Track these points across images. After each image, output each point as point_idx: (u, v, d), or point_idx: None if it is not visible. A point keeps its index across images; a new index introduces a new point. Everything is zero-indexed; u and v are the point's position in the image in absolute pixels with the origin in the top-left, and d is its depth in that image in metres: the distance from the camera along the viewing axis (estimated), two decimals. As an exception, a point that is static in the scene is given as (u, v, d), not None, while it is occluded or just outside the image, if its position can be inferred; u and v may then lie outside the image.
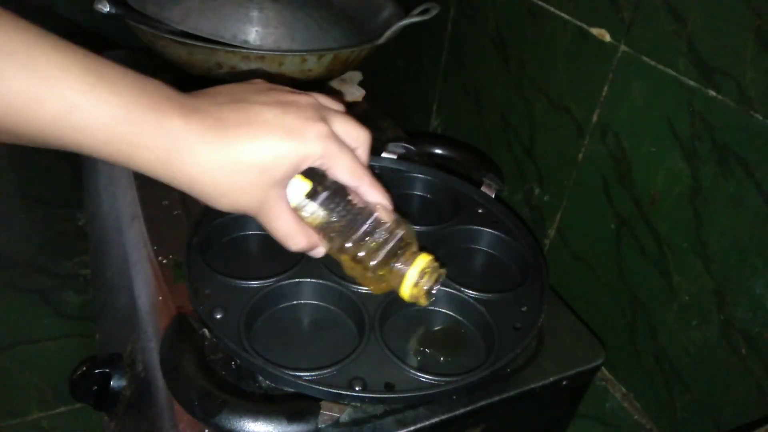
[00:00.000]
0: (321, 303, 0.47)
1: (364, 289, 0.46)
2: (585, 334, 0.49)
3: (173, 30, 0.62)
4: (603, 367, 0.58)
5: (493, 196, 0.59)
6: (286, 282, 0.46)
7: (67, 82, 0.27)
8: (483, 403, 0.41)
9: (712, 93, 0.44)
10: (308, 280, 0.46)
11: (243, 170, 0.32)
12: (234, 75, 0.63)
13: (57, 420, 0.88)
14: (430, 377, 0.40)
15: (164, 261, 0.49)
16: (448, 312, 0.48)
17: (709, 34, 0.44)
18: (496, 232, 0.55)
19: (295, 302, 0.46)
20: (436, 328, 0.47)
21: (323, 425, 0.37)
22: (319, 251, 0.40)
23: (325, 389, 0.38)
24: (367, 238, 0.38)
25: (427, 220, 0.55)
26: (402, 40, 0.76)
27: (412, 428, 0.39)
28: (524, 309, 0.47)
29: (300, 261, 0.48)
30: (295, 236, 0.37)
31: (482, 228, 0.55)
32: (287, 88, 0.37)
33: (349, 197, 0.39)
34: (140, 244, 0.52)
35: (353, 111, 0.77)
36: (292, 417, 0.37)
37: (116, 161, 0.30)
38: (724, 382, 0.47)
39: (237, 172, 0.32)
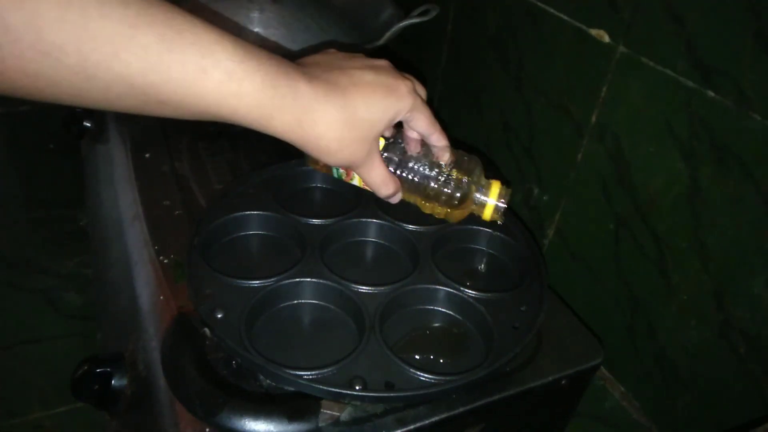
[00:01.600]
0: (321, 302, 0.47)
1: (364, 289, 0.46)
2: (584, 333, 0.49)
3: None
4: (602, 367, 0.58)
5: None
6: (287, 282, 0.46)
7: (226, 55, 0.31)
8: (482, 402, 0.41)
9: (711, 94, 0.45)
10: (309, 279, 0.46)
11: (358, 125, 0.38)
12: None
13: (58, 419, 0.88)
14: (430, 376, 0.40)
15: (165, 261, 0.49)
16: (447, 311, 0.48)
17: (707, 35, 0.44)
18: (495, 233, 0.55)
19: (295, 302, 0.47)
20: (436, 327, 0.47)
21: (323, 424, 0.38)
22: (398, 197, 0.45)
23: (325, 388, 0.38)
24: (447, 180, 0.44)
25: (427, 220, 0.55)
26: (402, 41, 0.76)
27: (412, 427, 0.39)
28: (523, 309, 0.47)
29: (300, 261, 0.48)
30: (388, 182, 0.43)
31: (482, 228, 0.55)
32: (359, 54, 0.42)
33: (410, 150, 0.45)
34: (141, 244, 0.52)
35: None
36: (292, 416, 0.37)
37: (259, 125, 0.35)
38: (723, 381, 0.47)
39: (354, 127, 0.37)
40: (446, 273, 0.48)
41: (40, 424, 0.87)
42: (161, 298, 0.46)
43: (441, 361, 0.44)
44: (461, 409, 0.41)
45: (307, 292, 0.47)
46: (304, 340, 0.44)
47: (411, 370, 0.40)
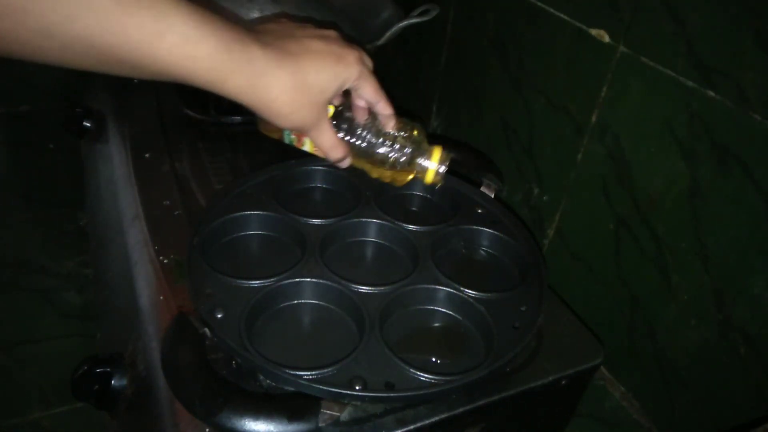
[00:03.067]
0: (321, 302, 0.47)
1: (364, 289, 0.46)
2: (584, 333, 0.49)
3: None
4: (602, 367, 0.58)
5: (493, 197, 0.59)
6: (287, 282, 0.46)
7: (182, 19, 0.33)
8: (482, 402, 0.41)
9: (711, 93, 0.45)
10: (308, 279, 0.46)
11: (309, 90, 0.40)
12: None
13: (58, 419, 0.88)
14: (430, 376, 0.40)
15: (165, 261, 0.49)
16: (447, 311, 0.48)
17: (708, 35, 0.44)
18: (495, 232, 0.55)
19: (295, 302, 0.47)
20: (436, 327, 0.47)
21: (323, 424, 0.38)
22: (347, 161, 0.48)
23: (325, 388, 0.38)
24: (392, 145, 0.47)
25: (427, 220, 0.55)
26: (402, 41, 0.76)
27: (412, 427, 0.39)
28: (523, 308, 0.47)
29: (300, 261, 0.48)
30: (338, 146, 0.46)
31: (482, 228, 0.55)
32: (310, 24, 0.44)
33: (357, 118, 0.47)
34: (141, 244, 0.52)
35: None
36: (292, 416, 0.37)
37: (213, 86, 0.36)
38: (723, 381, 0.47)
39: (305, 92, 0.40)
40: (446, 273, 0.48)
41: (39, 424, 0.87)
42: (161, 298, 0.46)
43: (441, 361, 0.44)
44: (461, 409, 0.41)
45: (307, 292, 0.47)
46: (304, 340, 0.44)
47: (411, 370, 0.40)
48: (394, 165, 0.48)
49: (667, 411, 0.53)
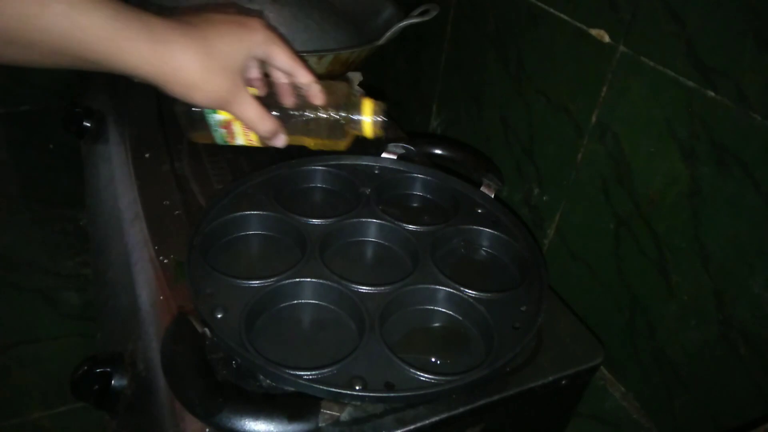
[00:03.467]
0: (321, 302, 0.47)
1: (364, 289, 0.46)
2: (584, 333, 0.49)
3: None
4: (602, 367, 0.58)
5: (493, 196, 0.59)
6: (287, 282, 0.46)
7: None
8: (483, 402, 0.41)
9: (711, 93, 0.45)
10: (308, 279, 0.46)
11: (217, 56, 0.39)
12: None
13: (58, 419, 0.88)
14: (430, 376, 0.40)
15: (165, 260, 0.49)
16: (447, 311, 0.48)
17: (708, 35, 0.44)
18: (495, 232, 0.55)
19: (295, 302, 0.47)
20: (436, 327, 0.47)
21: (323, 424, 0.38)
22: (282, 138, 0.46)
23: (325, 388, 0.38)
24: (323, 112, 0.46)
25: (427, 220, 0.55)
26: (402, 41, 0.76)
27: (412, 427, 0.39)
28: (523, 308, 0.47)
29: (300, 261, 0.48)
30: (264, 118, 0.44)
31: (482, 228, 0.55)
32: (233, 11, 0.44)
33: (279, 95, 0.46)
34: (141, 244, 0.52)
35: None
36: (292, 416, 0.37)
37: (110, 61, 0.35)
38: (723, 381, 0.47)
39: (213, 57, 0.39)
40: (446, 273, 0.48)
41: (39, 424, 0.87)
42: (161, 297, 0.46)
43: (441, 361, 0.44)
44: (461, 409, 0.41)
45: (307, 292, 0.47)
46: (304, 340, 0.44)
47: (411, 370, 0.40)
48: (331, 132, 0.47)
49: (667, 411, 0.53)
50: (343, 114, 0.47)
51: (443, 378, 0.40)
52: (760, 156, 0.42)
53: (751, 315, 0.44)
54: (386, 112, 0.49)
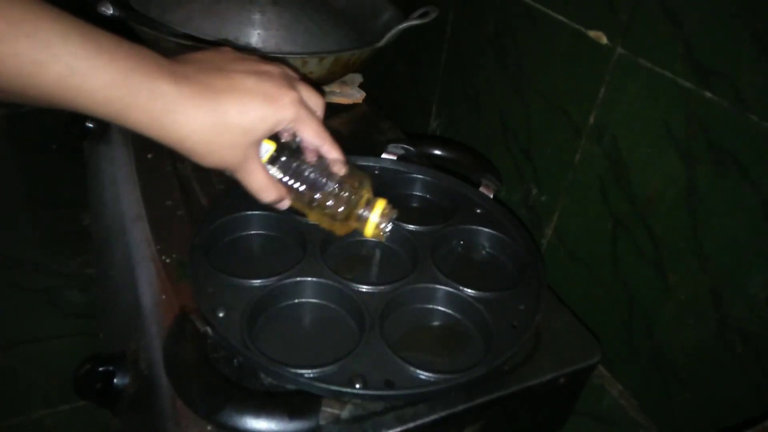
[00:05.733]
0: (322, 301, 0.47)
1: (364, 288, 0.47)
2: (582, 332, 0.49)
3: (176, 32, 0.63)
4: (600, 365, 0.58)
5: (491, 197, 0.60)
6: (288, 281, 0.46)
7: (68, 49, 0.30)
8: (481, 400, 0.42)
9: (709, 95, 0.45)
10: (309, 278, 0.47)
11: (229, 131, 0.36)
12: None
13: (60, 418, 0.88)
14: (430, 375, 0.41)
15: (167, 260, 0.49)
16: (447, 310, 0.48)
17: (705, 37, 0.45)
18: (494, 232, 0.55)
19: (296, 301, 0.47)
20: (435, 326, 0.47)
21: (324, 422, 0.38)
22: (285, 203, 0.44)
23: (325, 386, 0.38)
24: (333, 191, 0.44)
25: (427, 220, 0.56)
26: (402, 43, 0.77)
27: (411, 425, 0.39)
28: (522, 307, 0.47)
29: (301, 260, 0.48)
30: (267, 189, 0.42)
31: (480, 228, 0.55)
32: (255, 57, 0.41)
33: (303, 157, 0.44)
34: (144, 244, 0.52)
35: (353, 113, 0.78)
36: (293, 414, 0.37)
37: (113, 120, 0.34)
38: (721, 379, 0.48)
39: (224, 132, 0.36)
40: (445, 272, 0.49)
41: (42, 423, 0.88)
42: (163, 297, 0.47)
43: (440, 359, 0.44)
44: (460, 407, 0.41)
45: (308, 291, 0.47)
46: (304, 338, 0.44)
47: (411, 368, 0.41)
48: (334, 213, 0.44)
49: (664, 409, 0.53)
50: (352, 202, 0.44)
51: (442, 376, 0.41)
52: (757, 157, 0.42)
53: (748, 314, 0.45)
54: (394, 221, 0.47)
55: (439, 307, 0.48)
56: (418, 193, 0.62)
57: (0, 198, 1.21)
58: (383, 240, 0.47)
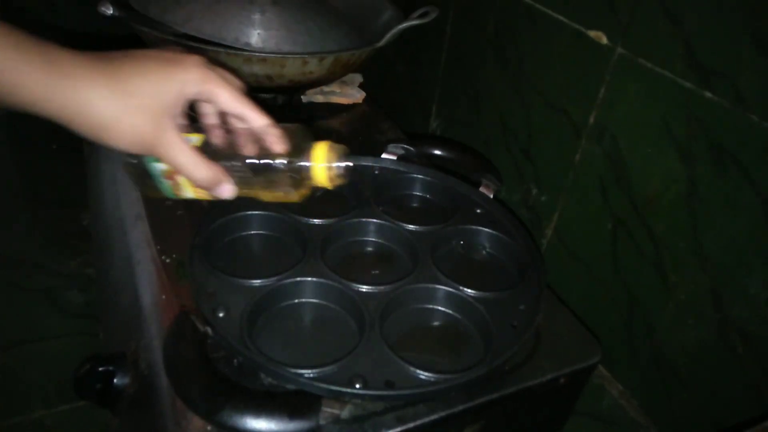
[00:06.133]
0: (322, 301, 0.47)
1: (364, 288, 0.47)
2: (582, 332, 0.49)
3: (176, 32, 0.63)
4: (600, 365, 0.58)
5: (492, 197, 0.60)
6: (288, 281, 0.46)
7: None
8: (481, 400, 0.42)
9: (709, 94, 0.45)
10: (309, 278, 0.47)
11: (134, 94, 0.34)
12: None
13: (60, 418, 0.88)
14: (429, 375, 0.41)
15: (167, 260, 0.49)
16: (446, 310, 0.48)
17: (705, 36, 0.45)
18: (494, 232, 0.55)
19: (296, 301, 0.47)
20: (435, 326, 0.47)
21: (324, 422, 0.38)
22: (227, 188, 0.40)
23: (326, 386, 0.38)
24: (275, 165, 0.40)
25: (427, 220, 0.56)
26: (402, 43, 0.77)
27: (411, 425, 0.39)
28: (522, 307, 0.47)
29: (301, 260, 0.48)
30: (200, 165, 0.38)
31: (481, 228, 0.55)
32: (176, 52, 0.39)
33: (238, 143, 0.40)
34: (144, 244, 0.52)
35: (353, 113, 0.78)
36: (293, 414, 0.37)
37: (4, 99, 0.32)
38: (721, 379, 0.48)
39: (129, 96, 0.34)
40: (445, 272, 0.49)
41: (42, 423, 0.88)
42: (163, 297, 0.47)
43: (440, 359, 0.44)
44: (460, 407, 0.41)
45: (308, 291, 0.47)
46: (304, 338, 0.44)
47: (411, 368, 0.41)
48: (287, 183, 0.41)
49: (664, 409, 0.53)
50: (298, 162, 0.40)
51: (442, 376, 0.41)
52: (757, 156, 0.42)
53: (748, 314, 0.45)
54: (346, 157, 0.41)
55: (439, 307, 0.48)
56: (418, 193, 0.62)
57: (0, 198, 1.21)
58: (343, 182, 0.42)
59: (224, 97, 0.38)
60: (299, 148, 0.40)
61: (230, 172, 0.40)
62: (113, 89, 0.34)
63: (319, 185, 0.42)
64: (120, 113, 0.34)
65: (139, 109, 0.35)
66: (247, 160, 0.40)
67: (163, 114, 0.36)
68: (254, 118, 0.39)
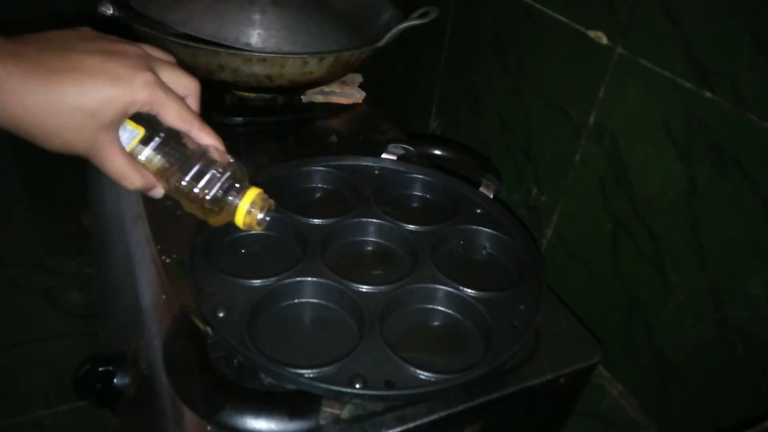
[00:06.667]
0: (322, 301, 0.47)
1: (364, 288, 0.47)
2: (582, 332, 0.49)
3: (176, 33, 0.63)
4: (600, 365, 0.58)
5: (492, 197, 0.60)
6: (288, 281, 0.46)
7: None
8: (481, 400, 0.42)
9: (708, 95, 0.45)
10: (309, 278, 0.47)
11: (66, 113, 0.34)
12: (237, 75, 0.63)
13: (60, 418, 0.88)
14: (429, 375, 0.41)
15: (168, 260, 0.49)
16: (446, 310, 0.48)
17: (705, 37, 0.45)
18: (494, 232, 0.55)
19: (296, 301, 0.47)
20: (435, 326, 0.47)
21: (324, 422, 0.38)
22: (157, 191, 0.42)
23: (325, 386, 0.38)
24: (200, 177, 0.41)
25: (427, 220, 0.56)
26: (402, 43, 0.77)
27: (411, 425, 0.39)
28: (522, 307, 0.47)
29: (301, 260, 0.48)
30: (129, 175, 0.39)
31: (480, 228, 0.55)
32: (115, 38, 0.38)
33: (183, 142, 0.41)
34: (144, 244, 0.52)
35: (353, 113, 0.78)
36: (293, 414, 0.37)
37: None
38: (721, 379, 0.48)
39: (61, 114, 0.34)
40: (445, 272, 0.49)
41: (42, 423, 0.88)
42: (163, 297, 0.47)
43: (440, 359, 0.44)
44: (460, 407, 0.41)
45: (308, 291, 0.47)
46: (304, 338, 0.44)
47: (411, 368, 0.41)
48: (201, 200, 0.41)
49: (664, 409, 0.53)
50: (224, 189, 0.41)
51: (442, 376, 0.41)
52: (757, 156, 0.43)
53: (748, 314, 0.45)
54: (270, 212, 0.44)
55: (439, 307, 0.48)
56: (418, 193, 0.62)
57: (0, 198, 1.21)
58: (259, 230, 0.44)
59: (171, 117, 0.38)
60: (235, 179, 0.42)
61: (163, 174, 0.41)
62: (46, 106, 0.33)
63: (233, 222, 0.44)
64: (51, 129, 0.34)
65: (74, 127, 0.34)
66: (186, 178, 0.41)
67: (101, 130, 0.36)
68: (200, 137, 0.40)
